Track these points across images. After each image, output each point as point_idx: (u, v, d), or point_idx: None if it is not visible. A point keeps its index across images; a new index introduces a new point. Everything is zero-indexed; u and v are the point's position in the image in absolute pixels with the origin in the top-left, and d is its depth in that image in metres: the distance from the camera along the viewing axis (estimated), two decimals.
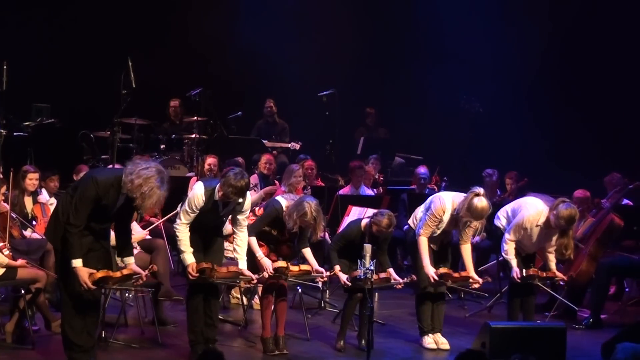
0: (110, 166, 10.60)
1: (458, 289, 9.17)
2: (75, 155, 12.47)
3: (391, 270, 8.00)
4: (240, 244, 7.39)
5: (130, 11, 14.12)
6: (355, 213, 9.47)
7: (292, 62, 14.20)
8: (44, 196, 9.46)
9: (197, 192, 7.21)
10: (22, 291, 7.65)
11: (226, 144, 13.03)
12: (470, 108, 13.15)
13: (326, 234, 9.66)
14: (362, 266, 7.30)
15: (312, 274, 7.85)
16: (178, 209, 7.54)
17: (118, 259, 6.96)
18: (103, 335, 7.69)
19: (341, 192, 10.93)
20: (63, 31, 13.90)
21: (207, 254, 7.35)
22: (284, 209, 7.68)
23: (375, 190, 11.55)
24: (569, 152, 13.74)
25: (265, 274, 7.54)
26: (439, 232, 8.05)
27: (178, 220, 7.27)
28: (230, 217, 7.44)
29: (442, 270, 7.96)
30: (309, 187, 10.59)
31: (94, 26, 13.95)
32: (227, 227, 7.76)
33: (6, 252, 7.68)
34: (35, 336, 7.70)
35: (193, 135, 12.87)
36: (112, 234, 6.96)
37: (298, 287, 8.79)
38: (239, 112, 13.71)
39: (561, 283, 8.75)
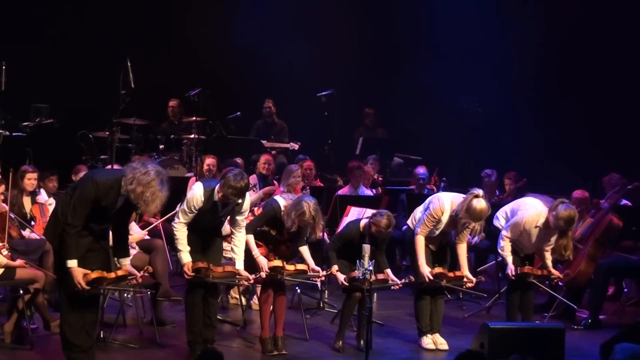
0: (109, 166, 10.60)
1: (457, 289, 9.18)
2: (74, 155, 12.47)
3: (389, 270, 8.00)
4: (238, 244, 7.41)
5: (129, 11, 14.11)
6: (354, 213, 9.47)
7: (291, 62, 14.20)
8: (43, 196, 9.46)
9: (196, 192, 7.22)
10: (21, 291, 7.66)
11: (225, 144, 13.03)
12: (469, 108, 13.15)
13: (325, 234, 9.66)
14: (360, 267, 7.30)
15: (309, 273, 7.85)
16: (177, 209, 7.54)
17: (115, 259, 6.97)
18: (102, 336, 7.69)
19: (340, 192, 10.93)
20: (62, 31, 13.89)
21: (205, 254, 7.36)
22: (282, 208, 7.69)
23: (374, 190, 11.55)
24: (568, 152, 13.74)
25: (262, 274, 7.55)
26: (437, 232, 8.05)
27: (176, 219, 7.29)
28: (229, 217, 7.45)
29: (437, 270, 7.97)
30: (308, 187, 10.60)
31: (93, 26, 13.95)
32: (226, 228, 7.76)
33: (5, 252, 7.68)
34: (34, 336, 7.70)
35: (192, 136, 12.86)
36: (111, 234, 6.97)
37: (297, 287, 8.79)
38: (238, 113, 13.70)
39: (560, 283, 8.76)
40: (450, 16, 14.34)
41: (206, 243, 7.40)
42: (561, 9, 14.09)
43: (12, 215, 8.49)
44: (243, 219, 7.41)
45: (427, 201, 8.18)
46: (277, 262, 7.62)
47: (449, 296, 9.44)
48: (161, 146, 13.04)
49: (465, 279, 8.08)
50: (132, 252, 7.69)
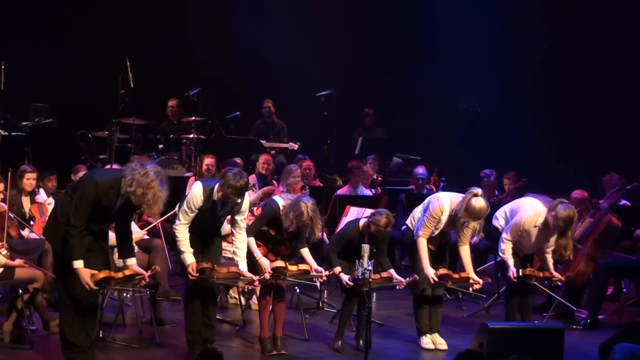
0: (109, 166, 10.60)
1: (456, 289, 9.17)
2: (73, 155, 12.46)
3: (392, 270, 7.99)
4: (240, 246, 7.39)
5: (128, 11, 14.11)
6: (353, 213, 9.46)
7: (290, 62, 14.19)
8: (42, 196, 9.46)
9: (195, 192, 7.22)
10: (20, 291, 7.65)
11: (224, 144, 13.02)
12: (468, 108, 13.14)
13: (324, 234, 9.66)
14: (360, 266, 7.29)
15: (312, 273, 7.84)
16: (176, 209, 7.53)
17: (120, 260, 6.96)
18: (101, 335, 7.69)
19: (339, 192, 10.93)
20: (61, 31, 13.89)
21: (205, 254, 7.36)
22: (281, 208, 7.69)
23: (373, 190, 11.55)
24: (567, 152, 13.74)
25: (266, 275, 7.54)
26: (437, 232, 8.05)
27: (177, 221, 7.27)
28: (228, 217, 7.45)
29: (442, 271, 7.95)
30: (307, 187, 10.59)
31: (92, 26, 13.94)
32: (225, 227, 7.76)
33: (4, 251, 7.67)
34: (33, 336, 7.70)
35: (191, 135, 12.86)
36: (111, 234, 6.97)
37: (296, 287, 8.79)
38: (237, 112, 13.71)
39: (559, 284, 8.76)
40: (450, 16, 14.35)
41: (205, 243, 7.39)
42: (561, 9, 14.08)
43: (11, 215, 8.49)
44: (243, 219, 7.40)
45: (426, 201, 8.17)
46: (280, 263, 7.61)
47: (448, 296, 9.44)
48: (160, 146, 13.03)
49: (471, 281, 8.05)
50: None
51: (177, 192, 8.43)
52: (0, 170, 9.67)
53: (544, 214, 8.15)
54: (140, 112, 12.73)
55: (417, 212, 8.21)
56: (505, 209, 8.54)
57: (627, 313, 9.73)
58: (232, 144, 13.08)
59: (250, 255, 7.56)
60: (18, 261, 7.69)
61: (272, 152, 13.06)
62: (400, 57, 14.94)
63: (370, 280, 7.34)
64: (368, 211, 8.66)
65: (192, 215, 7.21)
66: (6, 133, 12.24)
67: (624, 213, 9.92)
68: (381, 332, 8.61)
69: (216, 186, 7.19)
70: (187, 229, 7.23)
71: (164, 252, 8.68)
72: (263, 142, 13.26)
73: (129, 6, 14.16)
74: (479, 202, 7.76)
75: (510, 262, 8.20)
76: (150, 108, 13.34)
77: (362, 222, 8.05)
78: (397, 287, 8.01)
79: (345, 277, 7.81)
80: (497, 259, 8.82)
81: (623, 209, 10.21)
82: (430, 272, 7.91)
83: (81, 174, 9.37)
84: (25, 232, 8.80)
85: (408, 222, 8.31)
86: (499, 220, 8.51)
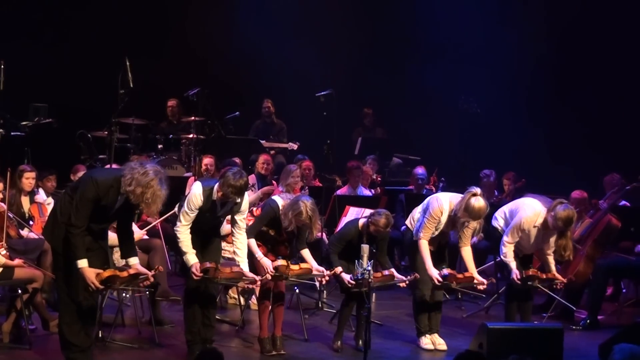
0: (108, 166, 10.60)
1: (455, 290, 9.16)
2: (73, 155, 12.46)
3: (393, 270, 7.99)
4: (240, 246, 7.39)
5: (128, 11, 14.11)
6: (352, 213, 9.47)
7: (290, 62, 14.20)
8: (41, 196, 9.45)
9: (195, 192, 7.22)
10: (19, 291, 7.65)
11: (224, 144, 13.03)
12: (468, 108, 13.13)
13: (324, 234, 9.66)
14: (359, 267, 7.29)
15: (313, 273, 7.84)
16: (175, 210, 7.53)
17: (122, 260, 6.96)
18: (100, 335, 7.69)
19: (339, 192, 10.93)
20: (60, 31, 13.89)
21: (204, 254, 7.36)
22: (281, 208, 7.69)
23: (372, 190, 11.55)
24: (566, 152, 13.74)
25: (268, 275, 7.53)
26: (437, 233, 8.04)
27: (178, 223, 7.25)
28: (228, 217, 7.45)
29: (447, 270, 7.89)
30: (307, 187, 10.59)
31: (92, 26, 13.95)
32: (225, 227, 7.76)
33: (3, 251, 7.67)
34: (32, 336, 7.70)
35: (191, 135, 12.85)
36: (111, 234, 6.96)
37: (295, 288, 8.78)
38: (237, 112, 13.70)
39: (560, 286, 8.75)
40: (450, 16, 14.34)
41: (205, 243, 7.39)
42: (561, 10, 14.08)
43: (11, 215, 8.48)
44: (242, 219, 7.40)
45: (425, 202, 8.16)
46: (282, 262, 7.60)
47: (447, 297, 9.43)
48: (160, 146, 13.02)
49: (476, 281, 8.02)
50: None
51: (177, 193, 8.42)
52: (0, 170, 9.68)
53: (543, 214, 8.14)
54: (140, 112, 12.74)
55: (417, 212, 8.20)
56: (505, 209, 8.54)
57: (627, 313, 9.73)
58: (232, 144, 13.08)
59: (251, 255, 7.56)
60: (17, 261, 7.69)
61: (272, 152, 13.06)
62: (400, 58, 14.93)
63: (370, 280, 7.33)
64: (367, 211, 8.66)
65: (192, 215, 7.20)
66: (6, 132, 12.23)
67: (624, 213, 9.92)
68: (380, 332, 8.61)
69: (216, 186, 7.19)
70: (189, 230, 7.23)
71: (163, 252, 8.68)
72: (262, 142, 13.26)
73: (129, 6, 14.15)
74: (478, 202, 7.75)
75: (513, 264, 8.17)
76: (150, 108, 13.34)
77: (361, 222, 8.05)
78: (399, 284, 7.99)
79: (347, 277, 7.79)
80: (497, 259, 8.82)
81: (622, 209, 10.21)
82: (434, 273, 7.88)
83: (81, 174, 9.36)
84: (25, 232, 8.79)
85: (407, 222, 8.31)
86: (498, 220, 8.50)
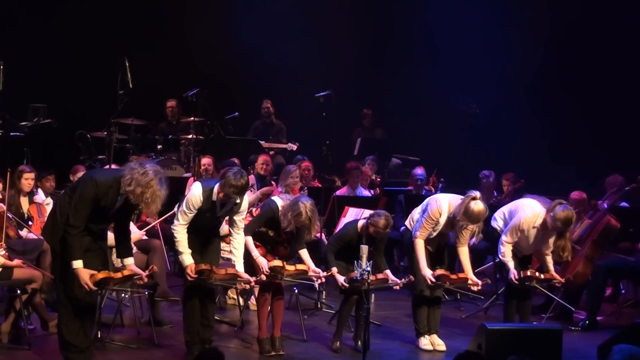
0: (107, 166, 10.60)
1: (454, 290, 9.17)
2: (72, 155, 12.45)
3: (388, 271, 7.99)
4: (237, 246, 7.41)
5: (127, 11, 14.11)
6: (352, 214, 9.47)
7: (289, 63, 14.20)
8: (40, 196, 9.45)
9: (194, 192, 7.22)
10: (18, 291, 7.65)
11: (223, 144, 13.03)
12: (467, 109, 13.14)
13: (323, 235, 9.65)
14: (358, 267, 7.29)
15: (309, 274, 7.84)
16: (175, 209, 7.53)
17: (117, 260, 6.96)
18: (99, 336, 7.69)
19: (338, 193, 10.92)
20: (60, 31, 13.88)
21: (204, 254, 7.36)
22: (280, 208, 7.69)
23: (372, 191, 11.55)
24: (566, 153, 13.74)
25: (263, 276, 7.54)
26: (435, 234, 8.05)
27: (176, 222, 7.28)
28: (227, 217, 7.45)
29: (439, 271, 7.95)
30: (306, 188, 10.59)
31: (91, 26, 13.94)
32: (224, 228, 7.76)
33: (2, 252, 7.68)
34: (31, 336, 7.70)
35: (190, 136, 12.85)
36: (110, 234, 6.96)
37: (294, 288, 8.79)
38: (236, 113, 13.70)
39: (558, 285, 8.76)
40: (449, 17, 14.34)
41: (204, 243, 7.40)
42: (560, 10, 14.08)
43: (10, 215, 8.48)
44: (241, 220, 7.41)
45: (424, 203, 8.17)
46: (277, 262, 7.62)
47: (446, 297, 9.43)
48: (159, 146, 13.02)
49: (470, 282, 8.05)
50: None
51: (176, 193, 8.41)
52: None
53: (542, 215, 8.15)
54: (139, 112, 12.73)
55: (416, 213, 8.21)
56: (504, 210, 8.54)
57: (626, 314, 9.73)
58: (231, 144, 13.08)
59: (247, 254, 7.57)
60: (16, 261, 7.69)
61: (271, 152, 13.06)
62: (399, 58, 14.94)
63: (369, 281, 7.34)
64: (367, 212, 8.66)
65: (190, 215, 7.21)
66: (5, 133, 12.23)
67: (623, 214, 9.92)
68: (379, 333, 8.61)
69: (216, 187, 7.20)
70: (186, 229, 7.24)
71: (162, 252, 8.69)
72: (262, 142, 13.26)
73: (128, 7, 14.15)
74: (478, 206, 7.76)
75: (511, 264, 8.19)
76: (149, 108, 13.34)
77: (360, 223, 8.05)
78: (393, 287, 8.01)
79: (340, 278, 7.82)
80: (496, 260, 8.82)
81: (621, 210, 10.21)
82: (427, 273, 7.91)
83: (80, 174, 9.37)
84: (24, 233, 8.79)
85: (407, 223, 8.31)
86: (497, 221, 8.51)
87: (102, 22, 13.96)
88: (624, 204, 10.43)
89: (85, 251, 6.57)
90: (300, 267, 7.76)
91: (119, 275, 6.66)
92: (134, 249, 8.30)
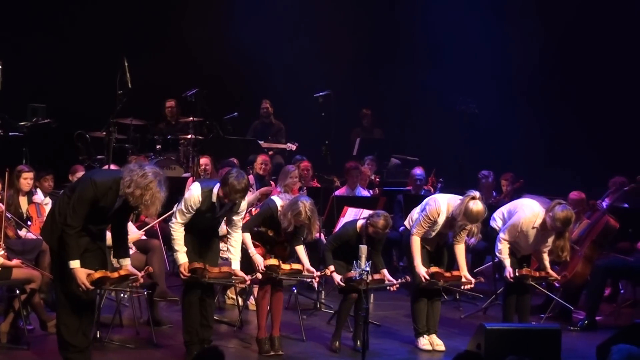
0: (106, 167, 10.59)
1: (454, 290, 9.18)
2: (71, 155, 12.45)
3: (385, 271, 7.99)
4: (234, 244, 7.42)
5: (126, 11, 14.10)
6: (351, 214, 9.46)
7: (288, 63, 14.20)
8: (39, 196, 9.45)
9: (193, 192, 7.23)
10: (17, 291, 7.65)
11: (222, 144, 13.02)
12: (466, 109, 13.14)
13: (322, 234, 9.65)
14: (357, 267, 7.30)
15: (304, 273, 7.85)
16: (174, 209, 7.54)
17: (114, 260, 6.97)
18: (98, 336, 7.69)
19: (337, 193, 10.93)
20: (59, 31, 13.88)
21: (203, 254, 7.37)
22: (279, 208, 7.70)
23: (371, 191, 11.54)
24: (565, 153, 13.75)
25: (258, 274, 7.55)
26: (434, 234, 8.05)
27: (173, 219, 7.30)
28: (225, 217, 7.46)
29: (433, 269, 7.96)
30: (305, 188, 10.59)
31: (90, 26, 13.93)
32: (223, 228, 7.76)
33: (1, 252, 7.67)
34: (30, 336, 7.70)
35: (189, 136, 12.84)
36: (108, 234, 6.96)
37: (293, 288, 8.79)
38: (235, 113, 13.70)
39: (556, 284, 8.76)
40: (448, 18, 14.34)
41: (203, 243, 7.40)
42: (559, 11, 14.09)
43: (9, 215, 8.48)
44: (239, 219, 7.43)
45: (423, 202, 8.18)
46: (273, 261, 7.63)
47: (445, 297, 9.43)
48: (158, 146, 13.01)
49: (463, 280, 8.07)
50: (129, 252, 7.67)
51: (175, 193, 8.41)
52: None
53: (541, 215, 8.16)
54: (138, 112, 12.72)
55: (415, 213, 8.21)
56: (503, 210, 8.55)
57: (625, 314, 9.73)
58: (230, 144, 13.08)
59: (244, 252, 7.58)
60: (15, 261, 7.69)
61: (270, 152, 13.05)
62: (398, 58, 14.94)
63: (368, 281, 7.34)
64: (366, 212, 8.66)
65: (188, 215, 7.23)
66: (4, 133, 12.22)
67: (622, 214, 9.92)
68: (378, 333, 8.61)
69: (216, 188, 7.20)
70: (183, 227, 7.26)
71: (161, 252, 8.69)
72: (261, 142, 13.26)
73: (127, 7, 14.15)
74: (477, 206, 7.76)
75: (507, 262, 8.22)
76: (148, 108, 13.33)
77: (359, 223, 8.05)
78: (389, 288, 8.01)
79: (337, 277, 7.83)
80: (495, 260, 8.83)
81: (620, 210, 10.20)
82: (422, 270, 7.93)
83: (79, 174, 9.38)
84: (23, 233, 8.78)
85: (406, 223, 8.31)
86: (496, 221, 8.52)
87: (102, 22, 13.95)
88: (625, 205, 10.41)
89: (84, 251, 6.58)
90: (295, 266, 7.77)
91: (115, 275, 6.68)
92: (133, 249, 8.32)
